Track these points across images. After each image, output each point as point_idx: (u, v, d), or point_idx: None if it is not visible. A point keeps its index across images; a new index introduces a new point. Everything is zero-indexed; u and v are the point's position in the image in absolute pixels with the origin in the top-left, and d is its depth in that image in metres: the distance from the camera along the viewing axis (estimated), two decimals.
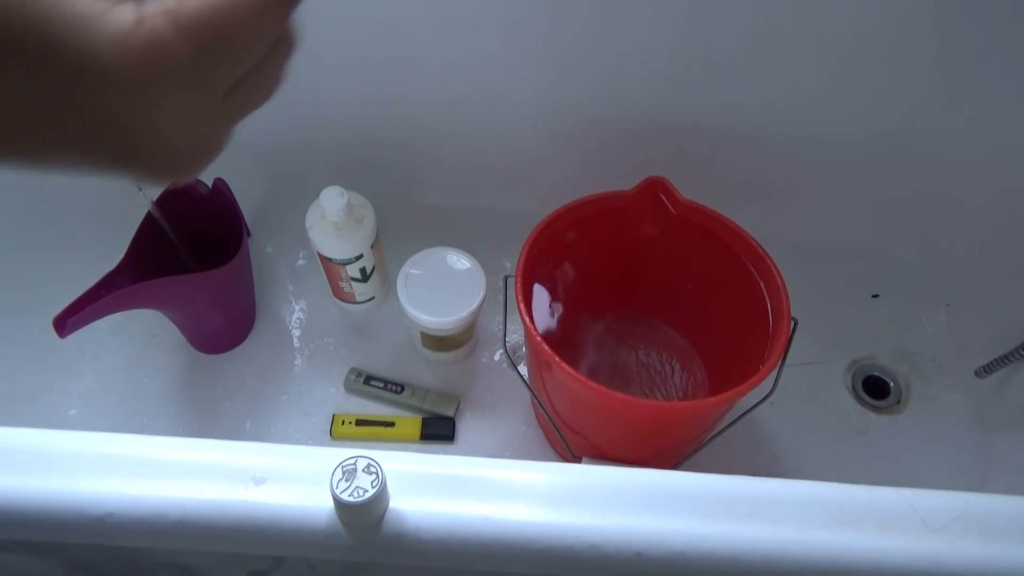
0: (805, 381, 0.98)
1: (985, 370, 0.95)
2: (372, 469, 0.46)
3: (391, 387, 0.98)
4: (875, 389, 1.02)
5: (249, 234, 1.10)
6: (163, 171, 0.26)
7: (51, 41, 0.22)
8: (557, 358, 0.70)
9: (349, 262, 0.94)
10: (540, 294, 0.87)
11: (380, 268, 1.01)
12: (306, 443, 0.95)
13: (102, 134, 0.24)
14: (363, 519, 0.47)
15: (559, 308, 0.93)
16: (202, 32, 0.22)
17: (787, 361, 0.75)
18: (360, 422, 0.96)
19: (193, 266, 0.91)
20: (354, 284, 0.99)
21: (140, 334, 1.03)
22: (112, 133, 0.24)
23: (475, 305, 0.90)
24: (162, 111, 0.23)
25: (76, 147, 0.24)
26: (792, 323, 0.76)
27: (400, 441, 0.95)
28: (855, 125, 0.99)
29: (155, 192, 0.87)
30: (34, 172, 0.25)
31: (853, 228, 1.11)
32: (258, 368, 1.01)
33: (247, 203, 1.04)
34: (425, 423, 0.96)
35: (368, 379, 0.99)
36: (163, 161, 0.25)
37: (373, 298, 1.04)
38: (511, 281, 0.79)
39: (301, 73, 1.06)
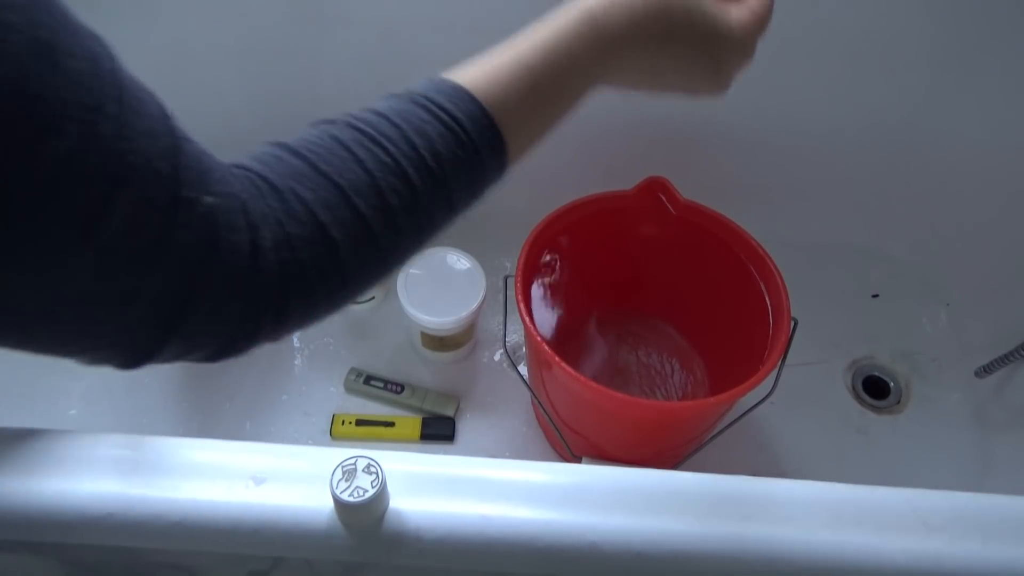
0: (805, 381, 0.98)
1: (985, 370, 0.95)
2: (372, 469, 0.46)
3: (391, 387, 0.98)
4: (875, 389, 1.02)
5: None
6: (724, 89, 0.46)
7: (717, 25, 0.42)
8: (557, 358, 0.70)
9: None
10: (540, 294, 0.87)
11: None
12: (306, 443, 0.95)
13: (718, 73, 0.44)
14: (363, 519, 0.47)
15: (559, 308, 0.93)
16: (764, 21, 0.45)
17: (787, 361, 0.75)
18: (360, 422, 0.96)
19: None
20: None
21: None
22: (721, 74, 0.44)
23: (475, 305, 0.90)
24: (745, 61, 0.45)
25: (699, 81, 0.44)
26: (792, 323, 0.76)
27: (400, 441, 0.95)
28: (855, 125, 0.99)
29: None
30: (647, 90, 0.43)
31: (853, 228, 1.11)
32: (258, 368, 1.01)
33: None
34: (425, 423, 0.96)
35: (368, 379, 0.99)
36: (728, 85, 0.46)
37: (373, 298, 1.04)
38: (511, 281, 0.79)
39: (301, 73, 1.05)
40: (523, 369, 0.92)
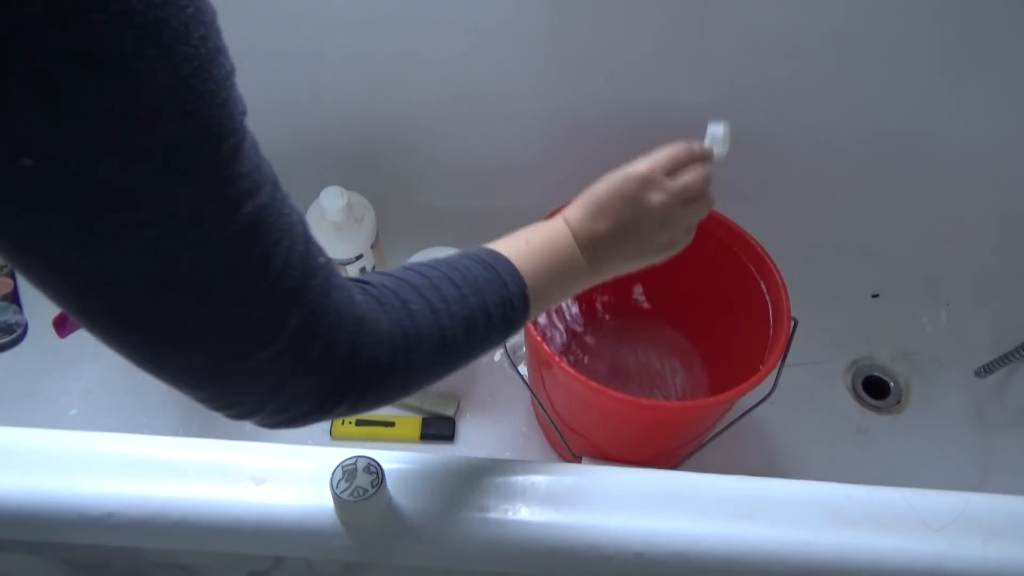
0: (805, 381, 0.98)
1: (985, 370, 0.95)
2: (372, 469, 0.46)
3: None
4: (875, 389, 1.02)
5: None
6: (668, 256, 0.56)
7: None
8: (557, 358, 0.70)
9: (349, 262, 0.94)
10: None
11: (380, 268, 1.01)
12: (306, 443, 0.95)
13: (654, 256, 0.55)
14: (363, 519, 0.47)
15: (559, 308, 0.93)
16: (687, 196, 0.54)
17: (787, 361, 0.75)
18: (360, 422, 0.96)
19: None
20: None
21: None
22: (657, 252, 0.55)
23: None
24: (680, 235, 0.55)
25: (641, 263, 0.55)
26: (792, 323, 0.76)
27: (400, 441, 0.95)
28: (855, 125, 0.99)
29: None
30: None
31: (853, 228, 1.11)
32: None
33: None
34: (425, 423, 0.96)
35: None
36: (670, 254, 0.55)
37: None
38: None
39: (302, 74, 1.05)
40: (523, 369, 0.92)
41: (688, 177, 0.53)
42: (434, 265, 0.43)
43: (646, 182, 0.51)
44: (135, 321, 0.29)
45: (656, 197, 0.51)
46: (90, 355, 1.01)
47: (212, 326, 0.30)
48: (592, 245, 0.51)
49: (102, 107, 0.22)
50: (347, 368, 0.36)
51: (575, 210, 0.53)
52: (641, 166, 0.52)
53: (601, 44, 0.92)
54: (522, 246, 0.48)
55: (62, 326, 0.80)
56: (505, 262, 0.46)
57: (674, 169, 0.53)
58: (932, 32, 0.88)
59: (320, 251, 0.34)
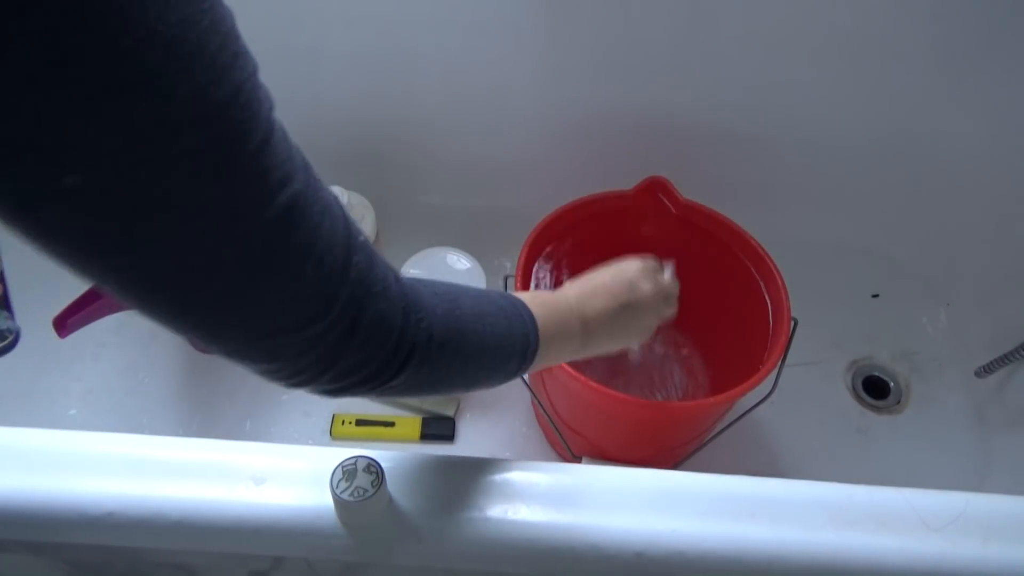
0: (805, 381, 0.98)
1: (985, 370, 0.95)
2: (372, 469, 0.46)
3: None
4: (875, 389, 1.02)
5: None
6: (639, 342, 0.62)
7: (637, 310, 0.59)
8: None
9: None
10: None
11: None
12: (306, 443, 0.95)
13: (632, 338, 0.61)
14: (363, 519, 0.47)
15: None
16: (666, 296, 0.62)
17: (787, 361, 0.75)
18: (360, 422, 0.96)
19: None
20: None
21: (140, 334, 1.03)
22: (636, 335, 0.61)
23: None
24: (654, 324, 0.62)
25: (622, 342, 0.60)
26: (792, 323, 0.76)
27: (400, 441, 0.95)
28: (855, 126, 0.99)
29: None
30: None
31: (853, 228, 1.11)
32: None
33: None
34: (425, 423, 0.96)
35: None
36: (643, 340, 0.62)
37: None
38: (511, 281, 0.79)
39: (301, 73, 1.05)
40: None
41: (668, 276, 0.63)
42: (458, 284, 0.46)
43: (642, 273, 0.60)
44: (191, 309, 0.31)
45: (646, 287, 0.59)
46: (90, 355, 1.01)
47: (263, 308, 0.32)
48: (586, 318, 0.55)
49: (133, 123, 0.24)
50: (400, 337, 0.37)
51: (575, 287, 0.58)
52: (637, 260, 0.61)
53: (601, 44, 0.92)
54: (528, 297, 0.51)
55: (62, 326, 0.80)
56: (520, 302, 0.49)
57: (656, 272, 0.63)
58: (932, 32, 0.88)
59: (359, 231, 0.36)
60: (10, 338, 0.79)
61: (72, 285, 0.82)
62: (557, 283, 0.90)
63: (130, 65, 0.23)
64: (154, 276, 0.29)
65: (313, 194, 0.32)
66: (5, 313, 0.82)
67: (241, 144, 0.28)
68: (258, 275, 0.30)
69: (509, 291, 0.80)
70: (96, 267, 0.28)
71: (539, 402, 0.86)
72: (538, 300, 0.51)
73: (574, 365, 0.70)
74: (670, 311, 0.64)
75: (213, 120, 0.26)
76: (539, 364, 0.50)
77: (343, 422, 0.95)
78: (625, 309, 0.58)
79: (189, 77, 0.25)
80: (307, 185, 0.32)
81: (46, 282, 0.94)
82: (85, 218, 0.26)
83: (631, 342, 0.61)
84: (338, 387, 0.38)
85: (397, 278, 0.38)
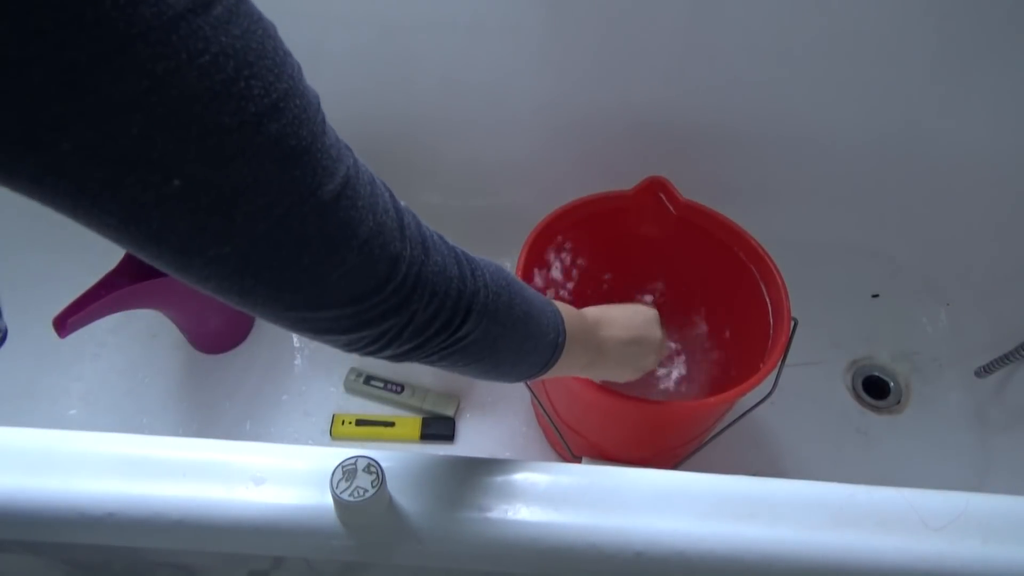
0: (805, 381, 0.98)
1: (985, 370, 0.95)
2: (372, 469, 0.46)
3: (391, 387, 0.98)
4: (875, 389, 1.02)
5: None
6: (636, 378, 0.68)
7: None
8: None
9: None
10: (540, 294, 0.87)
11: None
12: (306, 443, 0.95)
13: (634, 372, 0.67)
14: (363, 519, 0.47)
15: None
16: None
17: (787, 361, 0.75)
18: (360, 422, 0.96)
19: None
20: None
21: (140, 334, 1.03)
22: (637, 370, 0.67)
23: None
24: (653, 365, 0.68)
25: (620, 373, 0.66)
26: (792, 323, 0.76)
27: (400, 441, 0.95)
28: (855, 126, 0.99)
29: None
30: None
31: (853, 228, 1.11)
32: (258, 368, 1.01)
33: None
34: (425, 423, 0.96)
35: (368, 379, 0.99)
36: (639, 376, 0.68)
37: None
38: None
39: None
40: None
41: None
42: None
43: (657, 318, 0.68)
44: (286, 287, 0.34)
45: (658, 332, 0.67)
46: (90, 355, 1.01)
47: (345, 274, 0.35)
48: (601, 339, 0.60)
49: (222, 124, 0.28)
50: (461, 285, 0.41)
51: (593, 311, 0.63)
52: (652, 308, 0.68)
53: (601, 43, 0.92)
54: (556, 303, 0.54)
55: (62, 326, 0.80)
56: (552, 301, 0.52)
57: None
58: (932, 32, 0.88)
59: (397, 197, 0.40)
60: None
61: (71, 285, 0.82)
62: (558, 283, 0.90)
63: (212, 76, 0.27)
64: (253, 260, 0.32)
65: (361, 168, 0.36)
66: None
67: (310, 127, 0.32)
68: (338, 242, 0.34)
69: None
70: (202, 260, 0.31)
71: (539, 402, 0.86)
72: (562, 306, 0.54)
73: None
74: (660, 359, 0.70)
75: (285, 109, 0.30)
76: (556, 366, 0.52)
77: (343, 422, 0.95)
78: (636, 344, 0.64)
79: (258, 77, 0.29)
80: (355, 160, 0.36)
81: (45, 282, 0.94)
82: (192, 215, 0.29)
83: (628, 375, 0.66)
84: (415, 345, 0.41)
85: (442, 236, 0.42)
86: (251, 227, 0.31)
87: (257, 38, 0.29)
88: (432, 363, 0.44)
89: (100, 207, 0.28)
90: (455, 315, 0.41)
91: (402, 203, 0.40)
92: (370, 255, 0.36)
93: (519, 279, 0.48)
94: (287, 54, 0.32)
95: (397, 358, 0.42)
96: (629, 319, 0.64)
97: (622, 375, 0.66)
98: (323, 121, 0.34)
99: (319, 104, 0.34)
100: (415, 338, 0.40)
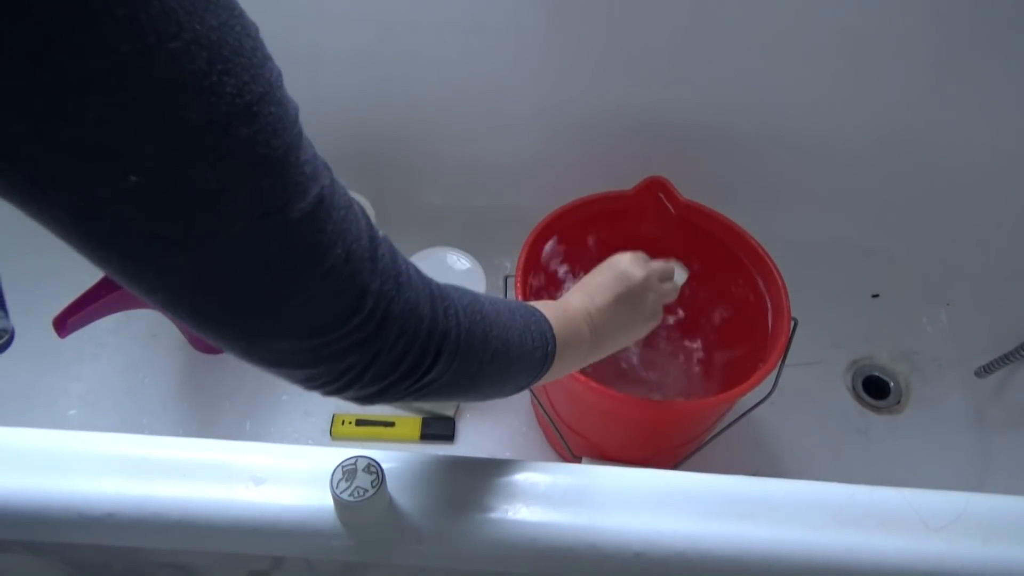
0: (805, 381, 0.98)
1: (985, 370, 0.95)
2: (372, 469, 0.46)
3: None
4: (875, 389, 1.02)
5: None
6: (651, 328, 0.64)
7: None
8: None
9: None
10: (540, 294, 0.87)
11: None
12: (306, 443, 0.95)
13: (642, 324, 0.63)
14: (363, 519, 0.47)
15: None
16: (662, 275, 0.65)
17: (787, 361, 0.75)
18: (360, 422, 0.96)
19: None
20: None
21: (140, 334, 1.03)
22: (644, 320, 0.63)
23: None
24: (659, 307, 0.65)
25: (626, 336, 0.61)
26: (792, 323, 0.76)
27: (400, 441, 0.95)
28: (855, 125, 0.99)
29: None
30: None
31: (853, 228, 1.11)
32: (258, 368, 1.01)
33: None
34: (425, 423, 0.96)
35: None
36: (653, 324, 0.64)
37: None
38: (511, 281, 0.79)
39: (301, 73, 1.05)
40: None
41: (658, 263, 0.65)
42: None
43: (633, 261, 0.62)
44: (240, 310, 0.32)
45: (639, 272, 0.61)
46: (90, 355, 1.01)
47: (306, 302, 0.33)
48: (592, 317, 0.57)
49: (188, 121, 0.26)
50: (431, 325, 0.38)
51: (574, 292, 0.60)
52: (626, 253, 0.63)
53: (601, 44, 0.92)
54: (540, 306, 0.52)
55: (62, 326, 0.80)
56: (532, 306, 0.50)
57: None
58: (932, 32, 0.88)
59: (375, 225, 0.37)
60: (5, 338, 0.79)
61: (71, 285, 0.82)
62: (558, 283, 0.90)
63: (181, 65, 0.25)
64: (208, 275, 0.30)
65: (337, 189, 0.34)
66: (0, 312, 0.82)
67: (283, 137, 0.29)
68: (300, 267, 0.32)
69: (509, 291, 0.81)
70: (154, 270, 0.29)
71: (539, 402, 0.86)
72: (545, 306, 0.52)
73: None
74: (669, 289, 0.66)
75: (258, 114, 0.28)
76: (556, 368, 0.51)
77: (343, 422, 0.95)
78: (624, 298, 0.60)
79: (232, 75, 0.27)
80: (332, 180, 0.33)
81: (45, 282, 0.94)
82: (148, 217, 0.27)
83: (641, 330, 0.63)
84: (379, 388, 0.38)
85: (417, 271, 0.39)
86: (209, 238, 0.29)
87: (235, 34, 0.27)
88: (409, 403, 0.42)
89: (51, 199, 0.26)
90: (424, 357, 0.38)
91: (380, 233, 0.37)
92: (335, 284, 0.33)
93: (497, 300, 0.46)
94: (267, 58, 0.29)
95: (364, 400, 0.39)
96: (606, 280, 0.60)
97: (628, 337, 0.62)
98: (300, 134, 0.31)
99: (297, 116, 0.31)
100: (379, 380, 0.38)
